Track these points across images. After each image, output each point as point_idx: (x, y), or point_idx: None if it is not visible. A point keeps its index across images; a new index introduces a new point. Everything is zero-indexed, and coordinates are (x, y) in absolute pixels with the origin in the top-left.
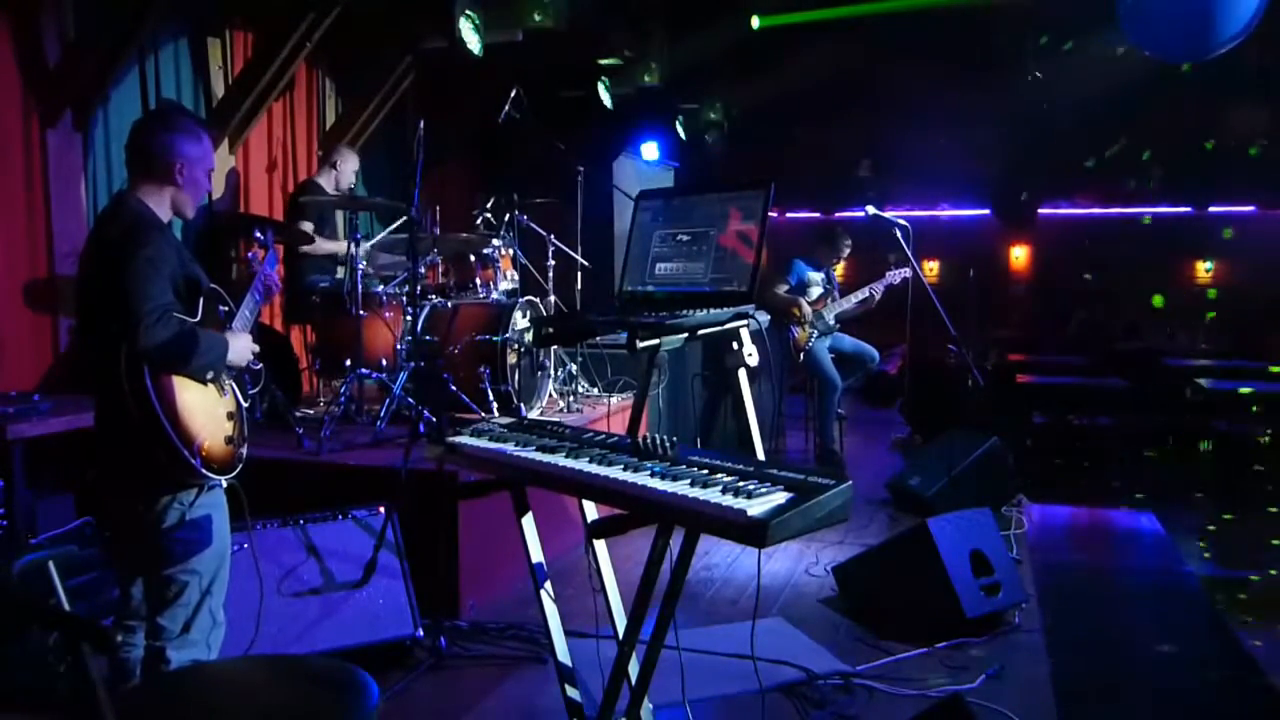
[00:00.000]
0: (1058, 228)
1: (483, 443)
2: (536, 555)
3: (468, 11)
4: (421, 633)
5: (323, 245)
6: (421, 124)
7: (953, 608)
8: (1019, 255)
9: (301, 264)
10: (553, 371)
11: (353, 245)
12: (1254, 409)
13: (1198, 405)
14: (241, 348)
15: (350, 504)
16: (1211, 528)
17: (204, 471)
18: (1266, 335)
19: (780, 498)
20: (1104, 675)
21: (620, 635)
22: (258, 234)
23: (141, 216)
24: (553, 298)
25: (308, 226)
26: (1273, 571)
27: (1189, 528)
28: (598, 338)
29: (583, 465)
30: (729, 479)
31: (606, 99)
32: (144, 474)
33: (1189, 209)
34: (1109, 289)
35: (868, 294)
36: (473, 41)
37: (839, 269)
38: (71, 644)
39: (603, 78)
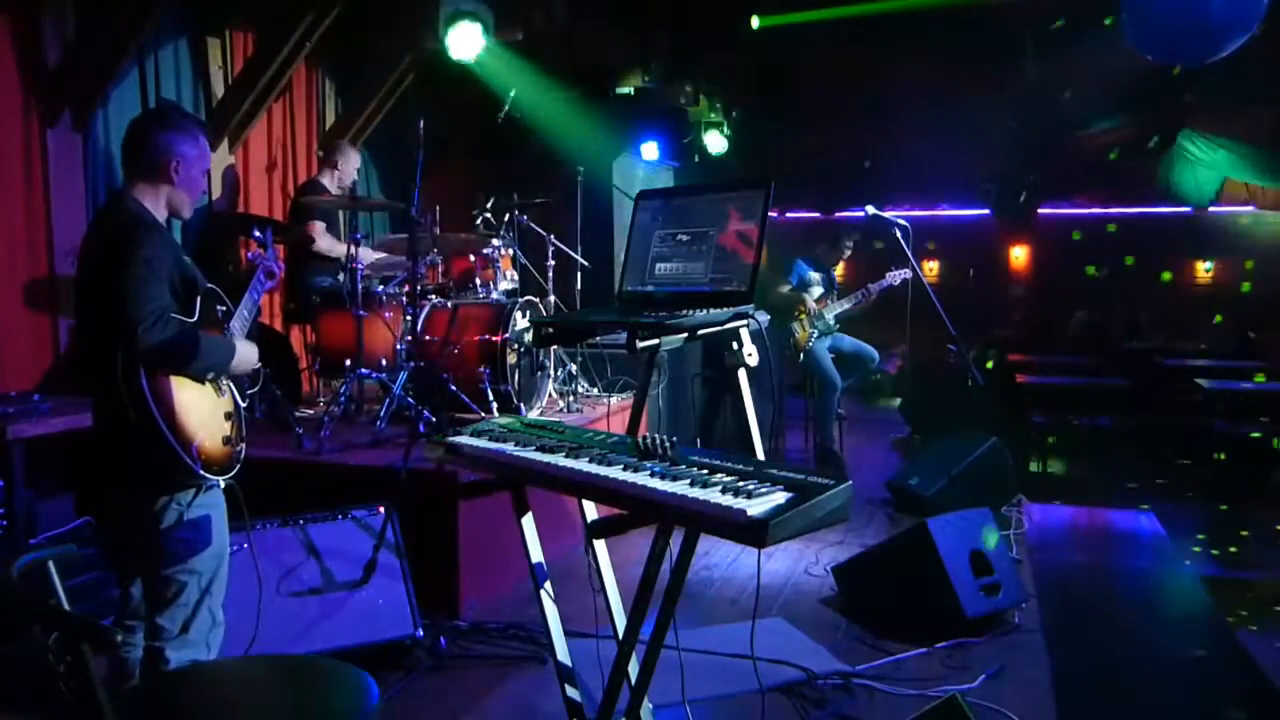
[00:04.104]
0: (1058, 228)
1: (483, 443)
2: (536, 555)
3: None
4: (421, 633)
5: (328, 245)
6: (421, 124)
7: (953, 608)
8: (1019, 255)
9: (303, 264)
10: (553, 371)
11: (352, 245)
12: (1253, 409)
13: (1198, 405)
14: (247, 356)
15: (350, 504)
16: (1211, 528)
17: (201, 472)
18: (1266, 335)
19: (780, 498)
20: (1104, 675)
21: (620, 635)
22: (256, 233)
23: (139, 217)
24: (553, 298)
25: (319, 227)
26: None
27: (1189, 528)
28: (598, 338)
29: (583, 465)
30: (729, 479)
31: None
32: (142, 474)
33: (1189, 209)
34: (1108, 289)
35: (863, 295)
36: (465, 49)
37: (839, 269)
38: (71, 644)
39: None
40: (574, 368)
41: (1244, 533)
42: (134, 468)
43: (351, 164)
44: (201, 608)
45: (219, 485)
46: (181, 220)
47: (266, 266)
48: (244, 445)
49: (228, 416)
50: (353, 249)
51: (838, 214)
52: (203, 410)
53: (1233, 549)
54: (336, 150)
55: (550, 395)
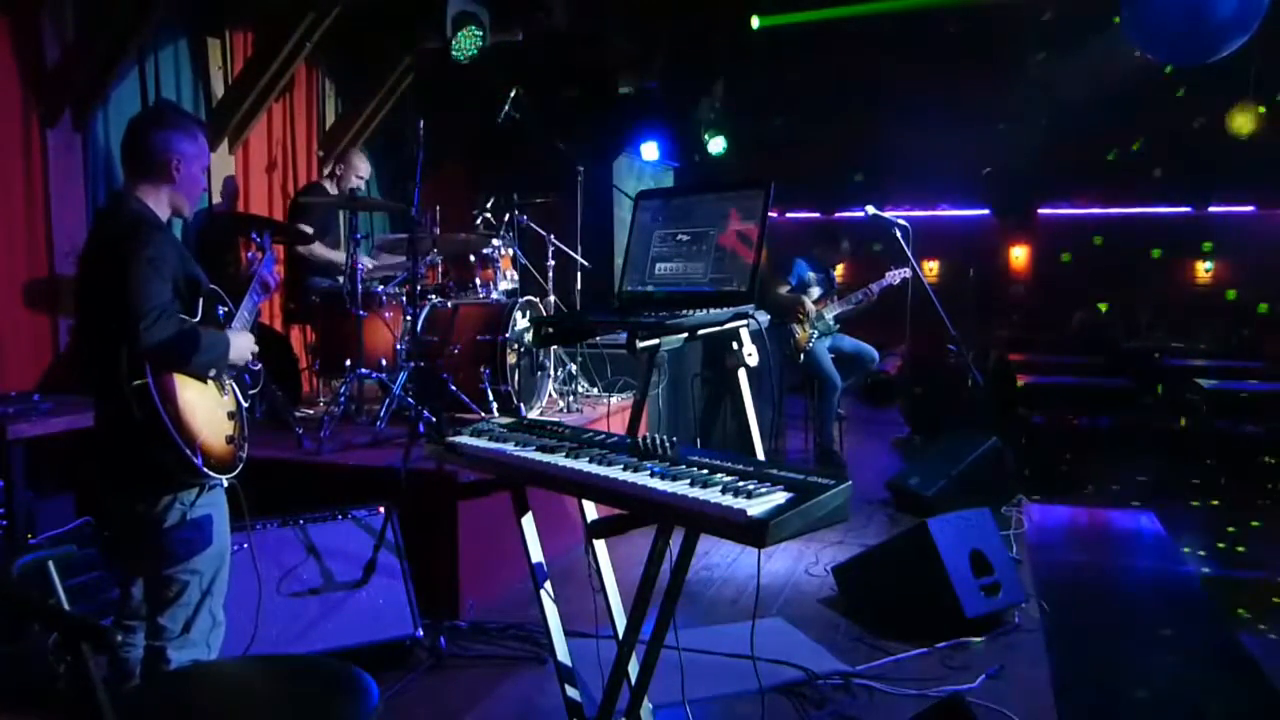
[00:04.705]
0: (1057, 227)
1: (483, 443)
2: (536, 555)
3: (469, 25)
4: (421, 633)
5: (322, 252)
6: (421, 124)
7: (953, 608)
8: (1019, 255)
9: (302, 264)
10: (553, 371)
11: (352, 246)
12: (1253, 409)
13: (1197, 405)
14: (242, 346)
15: (350, 504)
16: (1211, 528)
17: (205, 471)
18: (1266, 335)
19: (780, 498)
20: (1104, 676)
21: (620, 635)
22: (255, 235)
23: (141, 216)
24: (553, 298)
25: (308, 229)
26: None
27: (1189, 528)
28: (598, 338)
29: (583, 465)
30: (729, 479)
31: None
32: (145, 473)
33: (1189, 209)
34: (1107, 289)
35: (864, 295)
36: (465, 49)
37: (839, 269)
38: (71, 644)
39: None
40: (574, 368)
41: (1238, 525)
42: (137, 466)
43: (353, 170)
44: (203, 608)
45: (221, 485)
46: (183, 219)
47: (262, 278)
48: (246, 445)
49: (230, 416)
50: (352, 249)
51: (838, 214)
52: (206, 409)
53: (1232, 549)
54: (342, 156)
55: (550, 395)
